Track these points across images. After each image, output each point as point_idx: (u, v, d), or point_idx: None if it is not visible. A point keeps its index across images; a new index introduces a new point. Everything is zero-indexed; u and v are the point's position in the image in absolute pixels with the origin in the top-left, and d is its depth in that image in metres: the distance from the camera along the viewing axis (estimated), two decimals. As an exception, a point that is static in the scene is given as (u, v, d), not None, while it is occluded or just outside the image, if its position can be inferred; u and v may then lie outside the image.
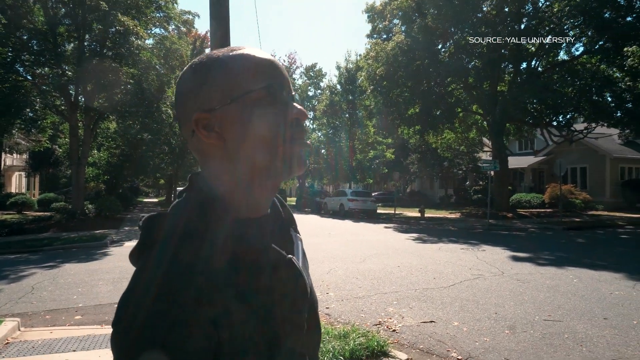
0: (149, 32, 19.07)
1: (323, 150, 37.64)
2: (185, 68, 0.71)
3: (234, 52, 0.67)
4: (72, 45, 18.82)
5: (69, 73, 17.79)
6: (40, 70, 18.26)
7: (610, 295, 6.11)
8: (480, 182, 30.85)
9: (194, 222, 0.61)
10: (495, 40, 18.23)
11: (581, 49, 20.46)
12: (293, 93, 0.71)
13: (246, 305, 0.58)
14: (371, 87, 22.32)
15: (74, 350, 4.29)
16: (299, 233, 0.78)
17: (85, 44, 18.48)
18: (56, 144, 30.36)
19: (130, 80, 17.89)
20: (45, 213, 20.89)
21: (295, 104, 0.68)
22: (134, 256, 0.63)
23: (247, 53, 0.67)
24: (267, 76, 0.66)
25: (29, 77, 18.04)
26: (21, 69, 17.75)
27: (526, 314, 5.32)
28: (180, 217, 0.62)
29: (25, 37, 16.90)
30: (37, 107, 18.93)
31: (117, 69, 17.51)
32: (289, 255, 0.66)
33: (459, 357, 4.13)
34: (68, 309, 5.98)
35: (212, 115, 0.65)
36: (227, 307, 0.56)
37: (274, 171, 0.66)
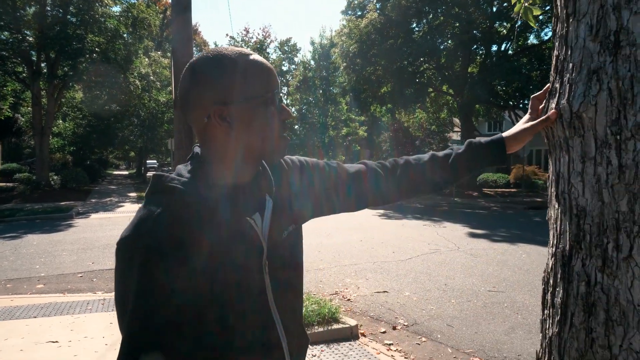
0: (115, -1, 18.39)
1: (296, 126, 37.57)
2: (202, 57, 0.85)
3: (250, 58, 0.85)
4: (33, 9, 17.99)
5: (30, 39, 17.07)
6: (-2, 34, 17.44)
7: (551, 269, 6.57)
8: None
9: (185, 181, 0.82)
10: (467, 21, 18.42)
11: (550, 33, 20.96)
12: (280, 94, 0.90)
13: (207, 245, 0.78)
14: (344, 64, 22.31)
15: (35, 317, 4.39)
16: (271, 197, 0.91)
17: (48, 8, 17.70)
18: (19, 113, 29.20)
19: (96, 49, 17.33)
20: (8, 184, 20.29)
21: (283, 105, 0.88)
22: (145, 197, 0.84)
23: (259, 61, 0.86)
24: (272, 84, 0.86)
25: (-14, 41, 17.22)
26: (-22, 33, 16.92)
27: (473, 286, 5.70)
28: (176, 177, 0.83)
29: (-19, -1, 16.04)
30: (-5, 73, 18.14)
31: (81, 37, 16.91)
32: (247, 217, 0.84)
33: (405, 323, 4.44)
34: (30, 278, 6.02)
35: (226, 108, 0.81)
36: (192, 244, 0.77)
37: (263, 155, 0.87)
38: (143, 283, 0.74)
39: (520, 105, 21.93)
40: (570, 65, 0.91)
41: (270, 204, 0.91)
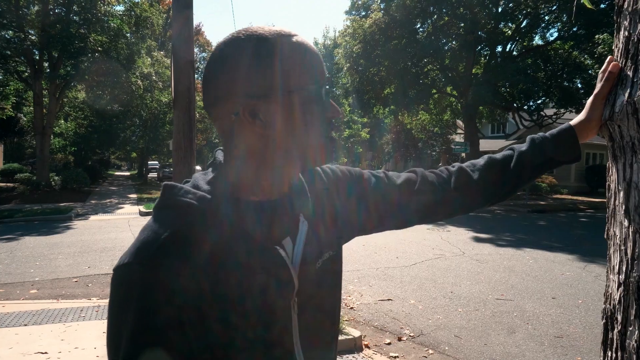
0: (117, -3, 18.27)
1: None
2: (232, 37, 0.66)
3: (292, 40, 0.66)
4: (36, 7, 17.88)
5: (33, 37, 16.96)
6: (1, 33, 17.30)
7: (561, 275, 6.37)
8: (453, 164, 31.36)
9: (202, 195, 0.65)
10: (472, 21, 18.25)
11: (555, 34, 20.75)
12: (327, 87, 0.71)
13: (225, 278, 0.62)
14: (347, 64, 22.15)
15: (25, 325, 4.21)
16: (306, 220, 0.74)
17: (50, 7, 17.58)
18: (21, 112, 29.11)
19: (99, 48, 17.19)
20: (9, 184, 20.14)
21: (332, 102, 0.70)
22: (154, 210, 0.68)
23: (304, 44, 0.67)
24: (319, 73, 0.67)
25: (-12, 40, 17.09)
26: (-20, 31, 16.81)
27: (480, 293, 5.50)
28: (191, 189, 0.66)
29: (-17, -3, 15.92)
30: (-3, 73, 18.04)
31: (84, 36, 16.79)
32: (276, 246, 0.67)
33: (411, 334, 4.25)
34: (23, 283, 5.84)
35: (260, 102, 0.64)
36: (207, 276, 0.60)
37: (304, 162, 0.69)
38: (141, 323, 0.58)
39: (525, 107, 21.71)
40: (647, 47, 0.72)
41: (305, 226, 0.73)
